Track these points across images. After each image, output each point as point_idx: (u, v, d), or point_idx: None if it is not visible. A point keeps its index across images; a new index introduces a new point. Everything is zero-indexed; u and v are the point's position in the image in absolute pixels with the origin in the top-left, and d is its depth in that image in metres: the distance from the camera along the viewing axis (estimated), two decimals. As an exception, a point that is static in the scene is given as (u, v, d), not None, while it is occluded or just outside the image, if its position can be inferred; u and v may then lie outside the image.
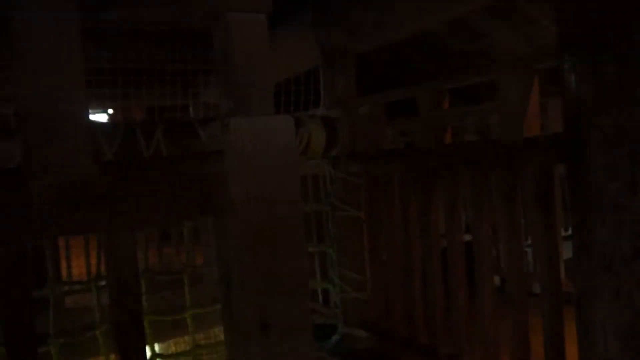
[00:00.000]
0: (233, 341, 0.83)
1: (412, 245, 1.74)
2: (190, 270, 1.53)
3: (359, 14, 1.69)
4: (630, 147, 0.73)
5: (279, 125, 0.84)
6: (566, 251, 2.26)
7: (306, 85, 2.22)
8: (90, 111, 5.33)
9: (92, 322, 1.45)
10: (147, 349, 1.57)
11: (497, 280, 2.29)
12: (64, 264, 2.57)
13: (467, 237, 1.78)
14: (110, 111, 5.21)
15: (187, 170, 0.80)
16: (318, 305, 1.91)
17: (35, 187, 0.70)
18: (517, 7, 2.06)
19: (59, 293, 1.45)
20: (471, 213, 1.59)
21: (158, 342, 1.85)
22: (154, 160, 0.79)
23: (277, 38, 2.09)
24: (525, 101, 1.71)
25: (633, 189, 0.73)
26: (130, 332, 0.77)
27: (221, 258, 0.85)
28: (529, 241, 2.21)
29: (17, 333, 0.70)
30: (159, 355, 1.55)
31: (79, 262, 2.52)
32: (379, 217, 1.82)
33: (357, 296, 1.79)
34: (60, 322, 1.50)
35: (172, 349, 2.02)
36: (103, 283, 1.45)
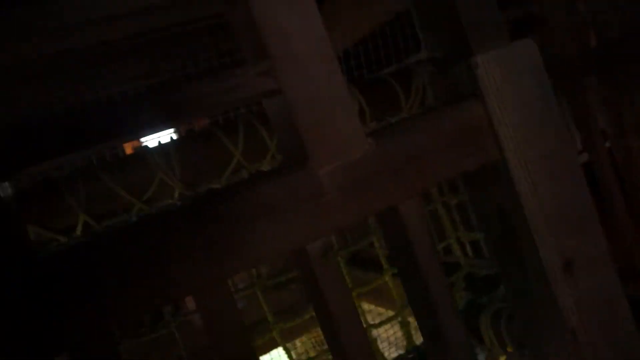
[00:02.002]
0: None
1: None
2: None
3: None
4: None
5: (524, 51, 0.76)
6: None
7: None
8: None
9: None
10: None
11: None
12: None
13: None
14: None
15: (447, 122, 0.73)
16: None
17: (323, 174, 0.66)
18: None
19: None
20: None
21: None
22: (413, 117, 0.73)
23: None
24: None
25: None
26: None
27: (496, 210, 0.79)
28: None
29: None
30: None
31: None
32: None
33: None
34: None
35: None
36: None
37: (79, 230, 1.36)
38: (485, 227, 0.82)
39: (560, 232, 0.74)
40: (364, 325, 2.11)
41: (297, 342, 4.06)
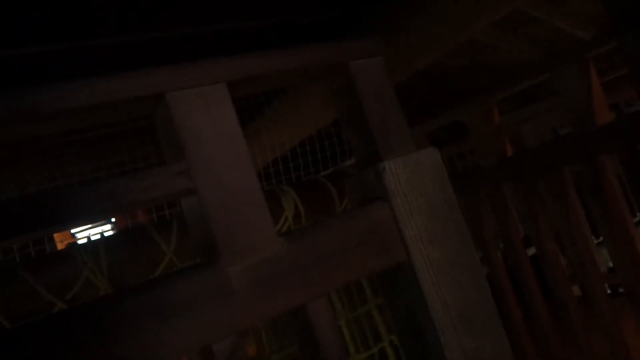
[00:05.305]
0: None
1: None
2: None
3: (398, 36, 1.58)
4: None
5: (428, 158, 0.83)
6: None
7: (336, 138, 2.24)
8: (91, 225, 5.22)
9: None
10: None
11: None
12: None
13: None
14: (113, 219, 5.09)
15: (355, 223, 0.77)
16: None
17: (232, 272, 0.67)
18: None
19: None
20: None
21: None
22: (325, 219, 0.77)
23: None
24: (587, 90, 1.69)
25: None
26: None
27: (406, 311, 0.81)
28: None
29: None
30: None
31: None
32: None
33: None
34: None
35: None
36: None
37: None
38: (398, 328, 0.84)
39: (465, 333, 0.77)
40: None
41: None
